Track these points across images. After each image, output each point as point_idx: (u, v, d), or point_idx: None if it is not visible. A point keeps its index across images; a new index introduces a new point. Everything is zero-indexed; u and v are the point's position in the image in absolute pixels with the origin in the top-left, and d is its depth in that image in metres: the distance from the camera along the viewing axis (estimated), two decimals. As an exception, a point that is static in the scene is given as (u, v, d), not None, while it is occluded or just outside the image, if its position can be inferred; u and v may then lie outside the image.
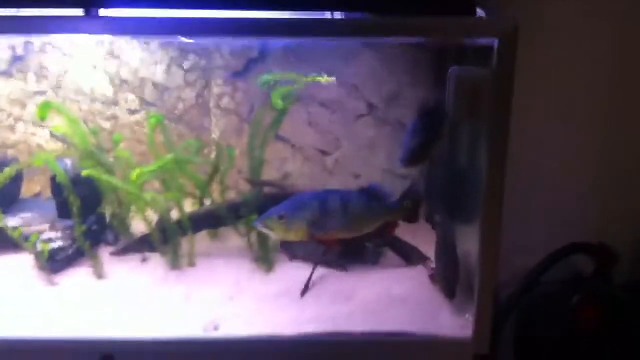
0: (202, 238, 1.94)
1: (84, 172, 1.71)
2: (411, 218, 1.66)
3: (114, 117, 2.12)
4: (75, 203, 1.73)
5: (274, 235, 1.60)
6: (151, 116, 1.88)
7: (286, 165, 2.15)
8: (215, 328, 1.56)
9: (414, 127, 1.67)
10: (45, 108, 1.69)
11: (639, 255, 2.11)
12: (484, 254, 1.47)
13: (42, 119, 1.69)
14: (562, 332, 1.76)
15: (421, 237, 1.88)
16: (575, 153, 2.06)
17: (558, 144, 2.05)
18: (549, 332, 1.79)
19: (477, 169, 1.51)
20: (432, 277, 1.72)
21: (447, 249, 1.66)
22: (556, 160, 2.06)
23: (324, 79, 1.75)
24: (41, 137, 2.15)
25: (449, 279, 1.63)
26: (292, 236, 1.59)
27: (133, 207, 1.86)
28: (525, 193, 2.01)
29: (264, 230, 1.58)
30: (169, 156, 1.78)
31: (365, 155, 2.16)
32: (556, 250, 1.95)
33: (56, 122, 1.81)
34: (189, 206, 1.90)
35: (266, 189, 1.87)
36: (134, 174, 1.71)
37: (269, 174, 2.03)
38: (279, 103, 1.75)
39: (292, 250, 1.87)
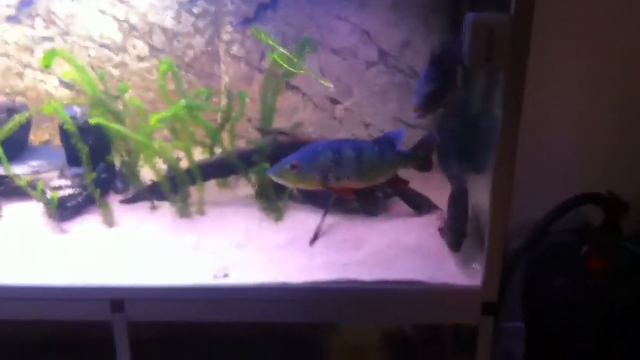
0: (211, 187, 1.93)
1: (92, 120, 1.71)
2: (425, 167, 1.64)
3: (123, 64, 2.10)
4: (83, 151, 1.73)
5: (288, 184, 1.60)
6: (162, 62, 1.85)
7: (297, 114, 2.13)
8: (225, 275, 1.56)
9: (427, 73, 1.64)
10: (50, 56, 1.66)
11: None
12: (495, 202, 1.46)
13: (47, 67, 1.68)
14: (571, 282, 1.76)
15: (435, 187, 1.87)
16: (586, 106, 2.04)
17: (571, 96, 2.03)
18: (558, 281, 1.79)
19: (492, 118, 1.49)
20: (441, 230, 1.71)
21: (458, 200, 1.64)
22: (567, 113, 2.04)
23: (323, 81, 1.76)
24: (50, 84, 2.13)
25: (455, 231, 1.62)
26: (305, 185, 1.59)
27: (142, 156, 1.84)
28: (535, 145, 1.99)
29: (278, 180, 1.58)
30: (183, 101, 1.76)
31: (377, 104, 2.13)
32: (565, 200, 1.94)
33: (65, 69, 1.79)
34: (198, 155, 1.89)
35: (279, 137, 1.85)
36: (152, 119, 1.70)
37: (280, 122, 2.02)
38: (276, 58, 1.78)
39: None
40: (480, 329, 1.55)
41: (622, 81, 2.02)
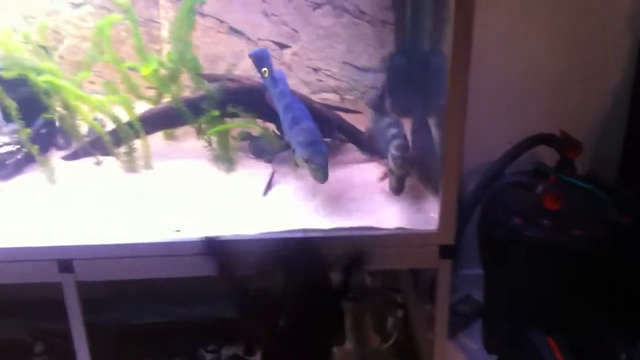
0: (159, 140, 1.87)
1: (7, 74, 1.61)
2: None
3: (55, 12, 1.98)
4: (11, 106, 1.63)
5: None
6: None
7: (242, 60, 2.06)
8: (177, 231, 1.51)
9: None
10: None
11: (600, 145, 2.13)
12: (448, 143, 1.43)
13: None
14: (526, 221, 1.77)
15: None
16: (538, 49, 2.03)
17: (523, 39, 2.02)
18: (514, 222, 1.79)
19: (443, 59, 1.45)
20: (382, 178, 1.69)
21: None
22: (519, 56, 2.03)
23: None
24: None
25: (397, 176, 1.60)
26: None
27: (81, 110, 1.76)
28: (489, 89, 1.98)
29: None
30: (155, 58, 1.72)
31: (325, 47, 2.07)
32: (520, 142, 1.94)
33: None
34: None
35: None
36: (144, 70, 1.69)
37: (224, 69, 1.95)
38: None
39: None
40: (439, 273, 1.54)
41: (571, 21, 2.01)
